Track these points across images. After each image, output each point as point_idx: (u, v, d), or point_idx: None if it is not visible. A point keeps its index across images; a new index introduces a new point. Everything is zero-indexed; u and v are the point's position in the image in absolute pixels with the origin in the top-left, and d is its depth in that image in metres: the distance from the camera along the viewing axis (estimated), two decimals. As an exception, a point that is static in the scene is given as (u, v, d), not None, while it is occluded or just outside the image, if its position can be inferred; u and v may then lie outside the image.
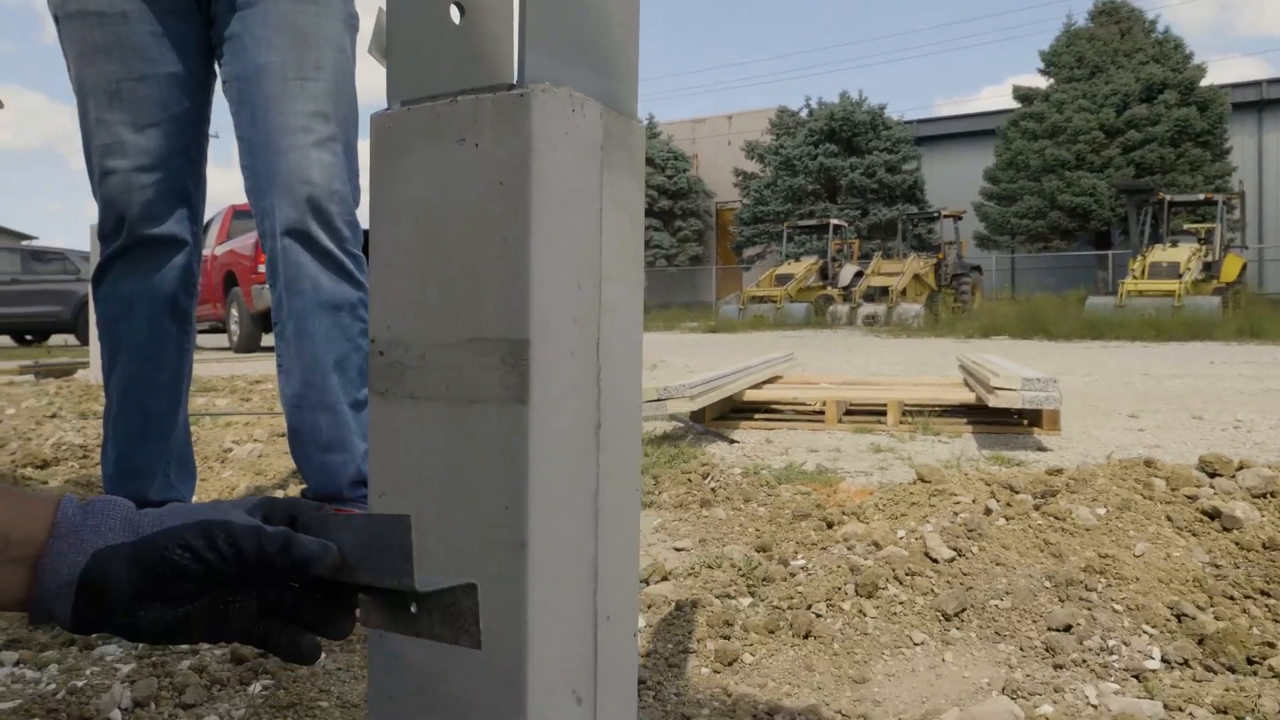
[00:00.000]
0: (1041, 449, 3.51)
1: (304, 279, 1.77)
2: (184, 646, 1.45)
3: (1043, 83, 26.56)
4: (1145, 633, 1.44)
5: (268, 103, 1.75)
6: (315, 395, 1.80)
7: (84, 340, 9.12)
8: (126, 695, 1.22)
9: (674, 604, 1.63)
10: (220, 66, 1.83)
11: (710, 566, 1.88)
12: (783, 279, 20.91)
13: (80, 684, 1.27)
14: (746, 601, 1.69)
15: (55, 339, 16.76)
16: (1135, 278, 16.18)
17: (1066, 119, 24.54)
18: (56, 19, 1.75)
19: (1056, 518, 1.83)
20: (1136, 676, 1.32)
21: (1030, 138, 25.33)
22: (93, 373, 6.53)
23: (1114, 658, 1.37)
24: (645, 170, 0.73)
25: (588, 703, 0.81)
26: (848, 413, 4.64)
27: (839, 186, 27.87)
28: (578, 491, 0.78)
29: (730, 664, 1.43)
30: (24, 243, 27.49)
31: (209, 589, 0.67)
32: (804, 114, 29.85)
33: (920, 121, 30.00)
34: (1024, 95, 26.48)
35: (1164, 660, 1.36)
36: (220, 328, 12.58)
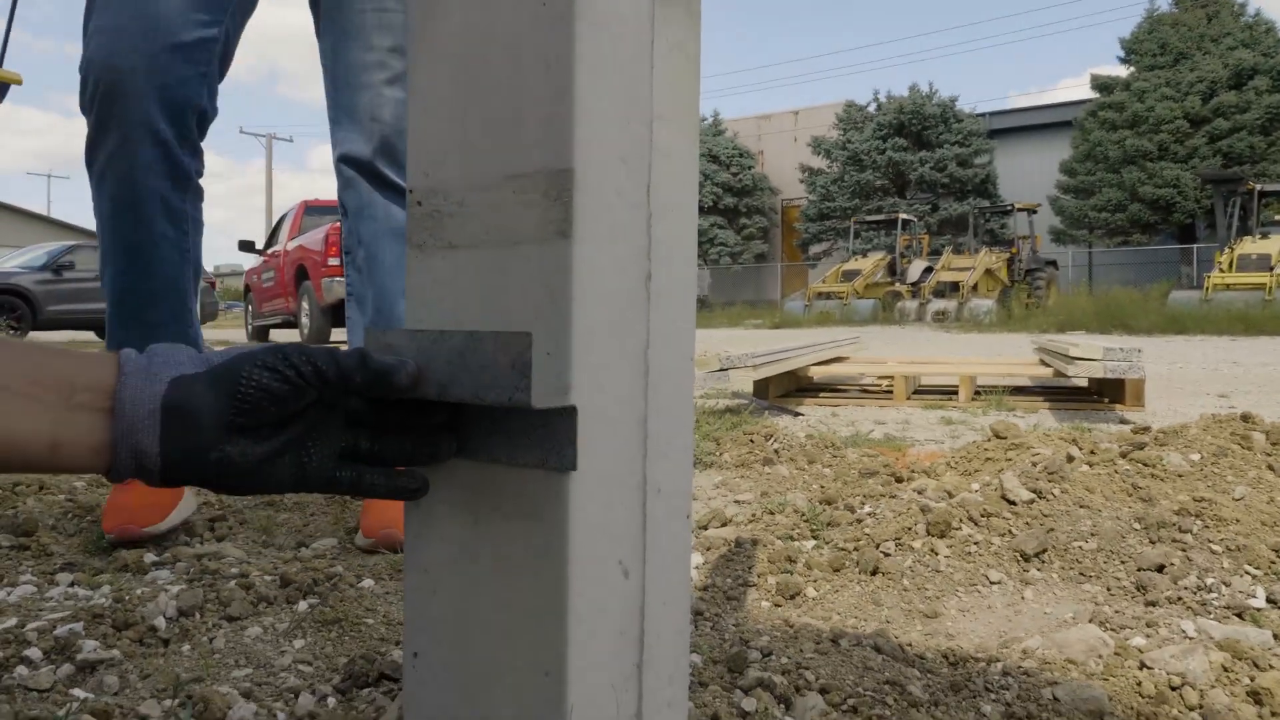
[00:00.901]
0: (1124, 423, 3.34)
1: (375, 206, 1.72)
2: (233, 570, 1.43)
3: (1123, 71, 25.67)
4: (1247, 573, 1.32)
5: (346, 35, 1.71)
6: (385, 322, 1.73)
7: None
8: (172, 605, 1.20)
9: (733, 542, 1.57)
10: None
11: (772, 512, 1.81)
12: (849, 275, 20.58)
13: (126, 596, 1.26)
14: (810, 544, 1.61)
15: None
16: (1222, 271, 15.50)
17: (1148, 108, 23.67)
18: None
19: (1145, 464, 1.71)
20: (1239, 615, 1.21)
21: (1109, 128, 24.49)
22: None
23: (1213, 595, 1.26)
24: (700, 13, 0.67)
25: (635, 577, 0.75)
26: (916, 392, 4.50)
27: (908, 181, 27.33)
28: (625, 344, 0.72)
29: (792, 597, 1.35)
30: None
31: (292, 414, 0.63)
32: (872, 108, 29.35)
33: (993, 114, 29.24)
34: (1103, 85, 25.62)
35: (1269, 600, 1.25)
36: (292, 321, 12.86)
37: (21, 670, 1.03)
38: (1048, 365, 4.21)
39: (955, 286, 18.58)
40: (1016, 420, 3.48)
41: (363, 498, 0.65)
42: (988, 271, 19.30)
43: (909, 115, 27.37)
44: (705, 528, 1.78)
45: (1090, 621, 1.18)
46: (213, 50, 1.58)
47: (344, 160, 1.74)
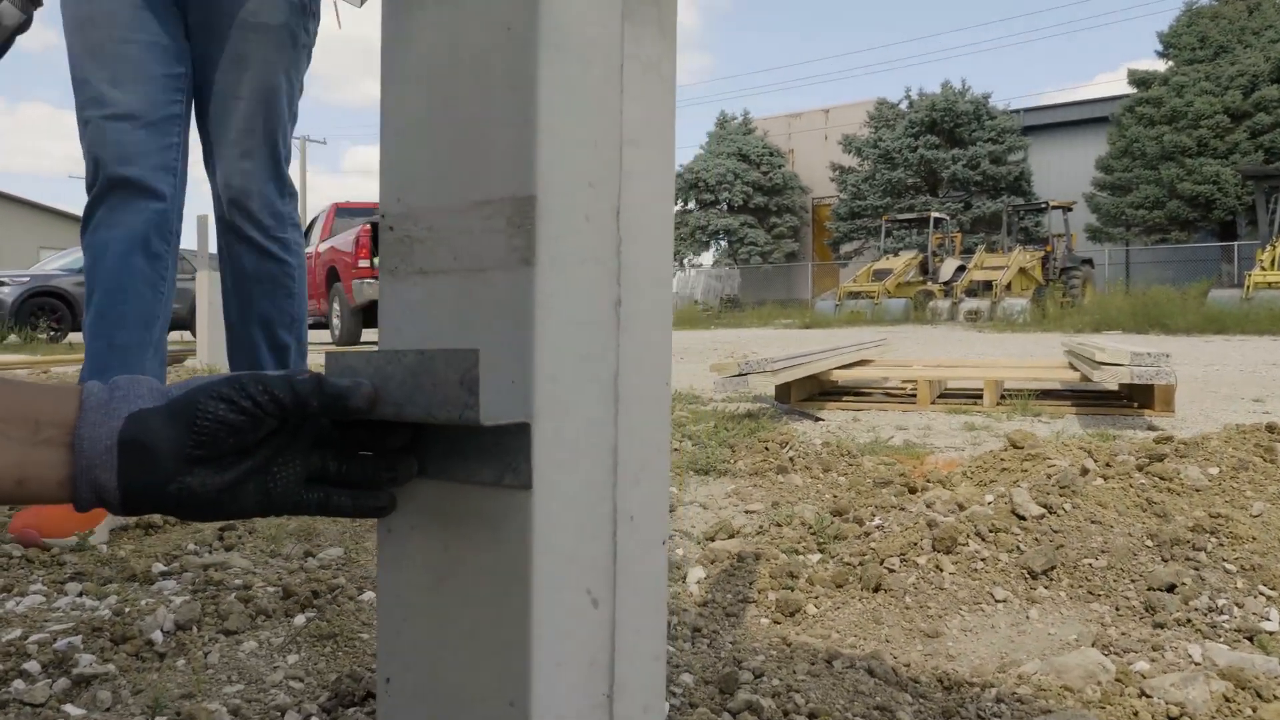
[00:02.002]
0: (1152, 429, 3.28)
1: (235, 255, 2.14)
2: (236, 581, 1.44)
3: (1161, 66, 25.20)
4: (1262, 594, 1.29)
5: (209, 116, 2.06)
6: (236, 341, 2.20)
7: (194, 332, 9.62)
8: (170, 619, 1.21)
9: (736, 556, 1.55)
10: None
11: (779, 524, 1.79)
12: (880, 274, 20.40)
13: (127, 608, 1.28)
14: (815, 558, 1.59)
15: (173, 334, 17.65)
16: (1264, 269, 15.15)
17: (1187, 103, 23.21)
18: None
19: (1162, 478, 1.67)
20: (1250, 638, 1.18)
21: (1147, 124, 24.05)
22: (201, 358, 6.81)
23: (1224, 618, 1.23)
24: (675, 33, 0.66)
25: (605, 606, 0.74)
26: (942, 395, 4.45)
27: (940, 179, 27.04)
28: (594, 370, 0.71)
29: (792, 614, 1.34)
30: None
31: (254, 443, 0.64)
32: (904, 106, 29.08)
33: (1027, 110, 28.84)
34: (1140, 79, 25.16)
35: (1284, 622, 1.21)
36: (324, 323, 13.00)
37: (19, 684, 1.04)
38: (1076, 370, 4.14)
39: (988, 285, 18.35)
40: (1041, 426, 3.42)
41: (331, 517, 0.66)
42: (1021, 270, 19.03)
43: (941, 112, 27.09)
44: (712, 539, 1.77)
45: (1094, 644, 1.15)
46: (179, 122, 2.00)
47: (217, 217, 2.16)
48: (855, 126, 29.94)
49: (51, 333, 13.30)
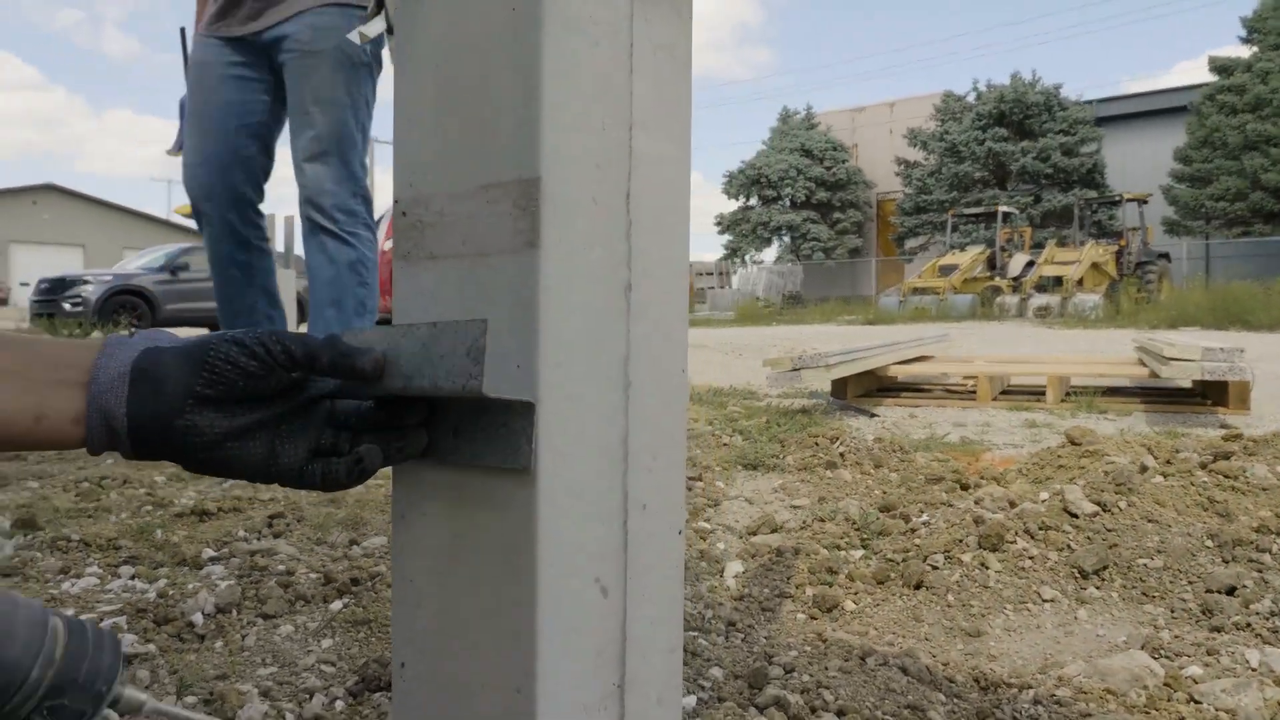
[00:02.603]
0: (1224, 427, 3.14)
1: (313, 248, 2.55)
2: (280, 567, 1.47)
3: (1244, 52, 24.18)
4: (1330, 598, 1.22)
5: (291, 132, 2.56)
6: (313, 326, 2.57)
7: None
8: (210, 601, 1.24)
9: (775, 551, 1.53)
10: None
11: (823, 520, 1.76)
12: (946, 270, 19.98)
13: (172, 591, 1.31)
14: (858, 554, 1.56)
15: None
16: (1355, 262, 14.43)
17: (1272, 90, 22.23)
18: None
19: (1226, 476, 1.60)
20: (1315, 644, 1.12)
21: (1229, 113, 23.11)
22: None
23: (1287, 622, 1.16)
24: (691, 14, 0.65)
25: (615, 595, 0.73)
26: (1004, 392, 4.33)
27: (1009, 172, 26.37)
28: (601, 356, 0.70)
29: (829, 610, 1.31)
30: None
31: (265, 396, 0.64)
32: (971, 98, 28.43)
33: (1101, 101, 27.94)
34: (1222, 67, 24.18)
35: (1352, 629, 1.14)
36: (389, 319, 13.20)
37: (63, 662, 1.07)
38: (1145, 366, 3.99)
39: (1059, 281, 17.84)
40: (1106, 423, 3.31)
41: (327, 491, 0.66)
42: (1094, 265, 18.46)
43: (1010, 104, 26.42)
44: (754, 534, 1.74)
45: (1144, 647, 1.11)
46: (255, 161, 2.58)
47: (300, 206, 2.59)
48: (921, 120, 29.38)
49: (132, 329, 13.82)
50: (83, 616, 1.22)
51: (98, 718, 0.47)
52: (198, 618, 1.20)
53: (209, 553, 1.58)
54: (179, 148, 2.92)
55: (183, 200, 2.94)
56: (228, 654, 1.12)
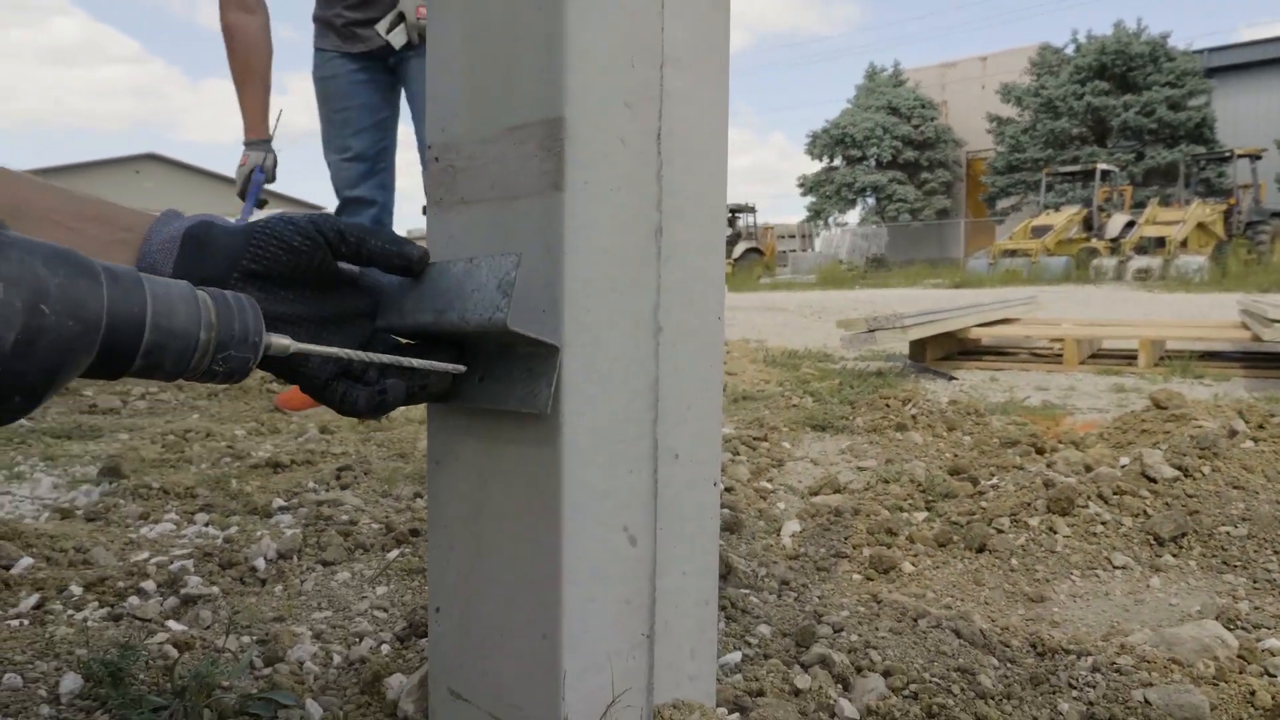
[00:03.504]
0: (1333, 394, 2.96)
1: None
2: (344, 517, 1.51)
3: (1376, -6, 22.40)
4: None
5: (418, 112, 2.79)
6: None
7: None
8: (272, 547, 1.28)
9: (834, 511, 1.50)
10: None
11: (887, 481, 1.72)
12: (1039, 231, 19.22)
13: (240, 536, 1.35)
14: (921, 516, 1.52)
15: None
16: None
17: (1407, 35, 20.59)
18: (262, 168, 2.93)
19: (1324, 442, 1.50)
20: None
21: (1356, 60, 21.52)
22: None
23: (1381, 596, 1.09)
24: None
25: (644, 544, 0.72)
26: (1093, 356, 4.16)
27: (1109, 128, 25.14)
28: (629, 300, 0.68)
29: (885, 572, 1.28)
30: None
31: (308, 276, 0.64)
32: (1070, 50, 27.12)
33: (1212, 50, 26.34)
34: (1350, 10, 22.47)
35: None
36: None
37: (134, 600, 1.12)
38: (1249, 329, 3.78)
39: (1161, 242, 17.00)
40: (1202, 388, 3.15)
41: (343, 415, 0.65)
42: (1200, 225, 17.53)
43: (1112, 55, 25.11)
44: (816, 494, 1.72)
45: (1218, 618, 1.05)
46: (387, 154, 2.98)
47: None
48: (1015, 74, 28.19)
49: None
50: (155, 560, 1.28)
51: (256, 360, 0.55)
52: (260, 563, 1.24)
53: (279, 502, 1.63)
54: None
55: (280, 168, 3.05)
56: (286, 597, 1.15)
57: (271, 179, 2.94)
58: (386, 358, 0.64)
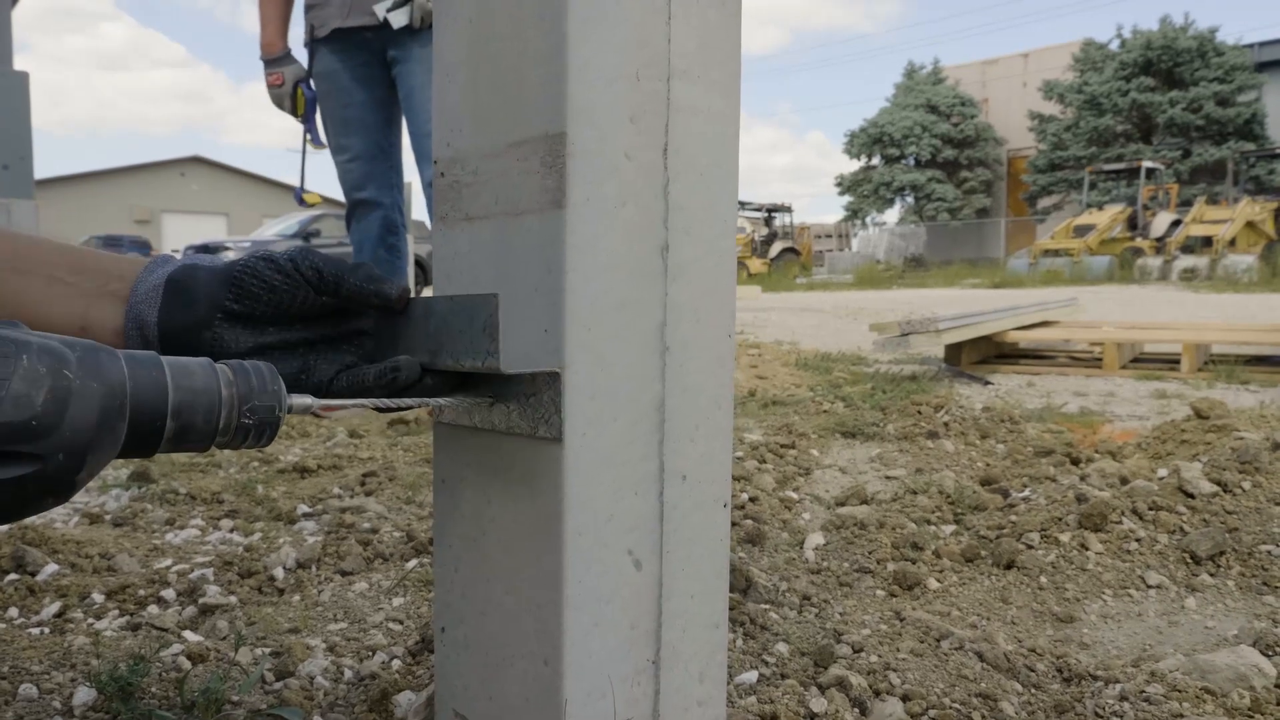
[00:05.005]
0: (1387, 401, 2.86)
1: None
2: (366, 525, 1.51)
3: None
4: None
5: (414, 109, 2.70)
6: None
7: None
8: (292, 556, 1.28)
9: (860, 523, 1.47)
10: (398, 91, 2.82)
11: (914, 492, 1.68)
12: (1082, 230, 18.88)
13: (261, 544, 1.36)
14: (949, 529, 1.48)
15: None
16: None
17: None
18: (309, 82, 2.86)
19: (1373, 456, 1.44)
20: None
21: None
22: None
23: None
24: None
25: (649, 568, 0.70)
26: (1135, 360, 4.07)
27: (1154, 125, 24.63)
28: (634, 319, 0.67)
29: (910, 588, 1.25)
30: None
31: (291, 315, 0.65)
32: (1114, 45, 26.60)
33: (1263, 44, 25.67)
34: None
35: None
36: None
37: (153, 609, 1.13)
38: (1297, 333, 3.67)
39: (1208, 242, 16.63)
40: (1248, 395, 3.06)
41: (356, 399, 0.64)
42: (1249, 224, 17.12)
43: (1158, 51, 24.59)
44: (842, 505, 1.69)
45: (1256, 644, 1.01)
46: (393, 151, 2.89)
47: (426, 185, 2.56)
48: (1058, 71, 27.73)
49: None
50: (177, 567, 1.29)
51: (284, 408, 0.56)
52: (279, 572, 1.24)
53: (303, 508, 1.63)
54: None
55: (319, 170, 3.06)
56: (302, 608, 1.15)
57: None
58: (411, 401, 0.64)
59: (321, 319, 0.66)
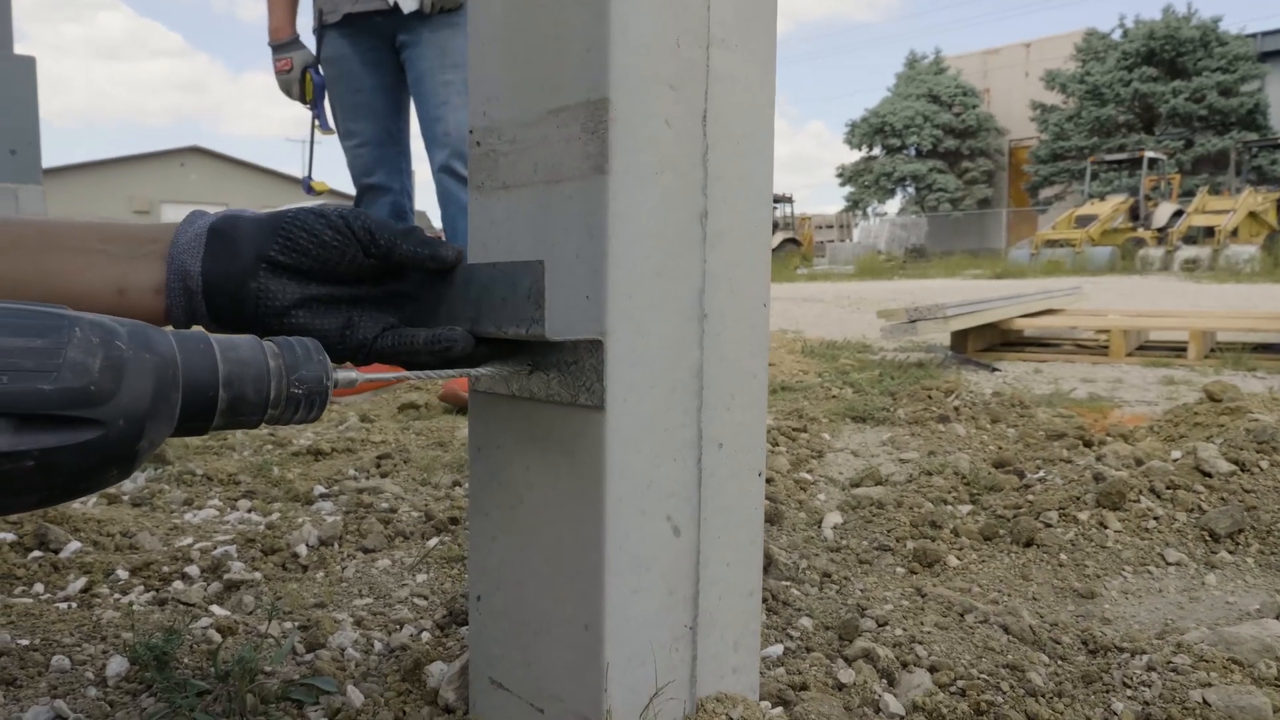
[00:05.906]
0: (1395, 387, 2.86)
1: (451, 194, 2.60)
2: (384, 505, 1.51)
3: None
4: None
5: (425, 91, 2.65)
6: None
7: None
8: (314, 534, 1.28)
9: (877, 503, 1.47)
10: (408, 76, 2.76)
11: (930, 473, 1.69)
12: (1084, 220, 18.84)
13: (281, 523, 1.36)
14: (965, 509, 1.49)
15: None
16: None
17: None
18: (318, 68, 2.81)
19: (1389, 436, 1.44)
20: None
21: None
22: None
23: None
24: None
25: (688, 534, 0.70)
26: (1141, 348, 4.07)
27: (1157, 115, 24.58)
28: (674, 286, 0.67)
29: (930, 566, 1.26)
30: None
31: (339, 272, 0.64)
32: (1117, 35, 26.53)
33: (1266, 34, 25.60)
34: None
35: None
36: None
37: (178, 585, 1.14)
38: (1304, 320, 3.67)
39: (1210, 232, 16.61)
40: (1255, 381, 3.06)
41: (401, 362, 0.65)
42: (1251, 214, 17.09)
43: (1161, 41, 24.52)
44: (857, 486, 1.69)
45: (1279, 617, 1.01)
46: (401, 136, 2.84)
47: (434, 169, 2.62)
48: (1060, 61, 27.66)
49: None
50: (199, 545, 1.29)
51: (331, 379, 0.56)
52: (302, 549, 1.24)
53: (320, 489, 1.64)
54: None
55: (319, 158, 3.03)
56: (327, 584, 1.16)
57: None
58: (451, 373, 0.65)
59: (362, 280, 0.66)
